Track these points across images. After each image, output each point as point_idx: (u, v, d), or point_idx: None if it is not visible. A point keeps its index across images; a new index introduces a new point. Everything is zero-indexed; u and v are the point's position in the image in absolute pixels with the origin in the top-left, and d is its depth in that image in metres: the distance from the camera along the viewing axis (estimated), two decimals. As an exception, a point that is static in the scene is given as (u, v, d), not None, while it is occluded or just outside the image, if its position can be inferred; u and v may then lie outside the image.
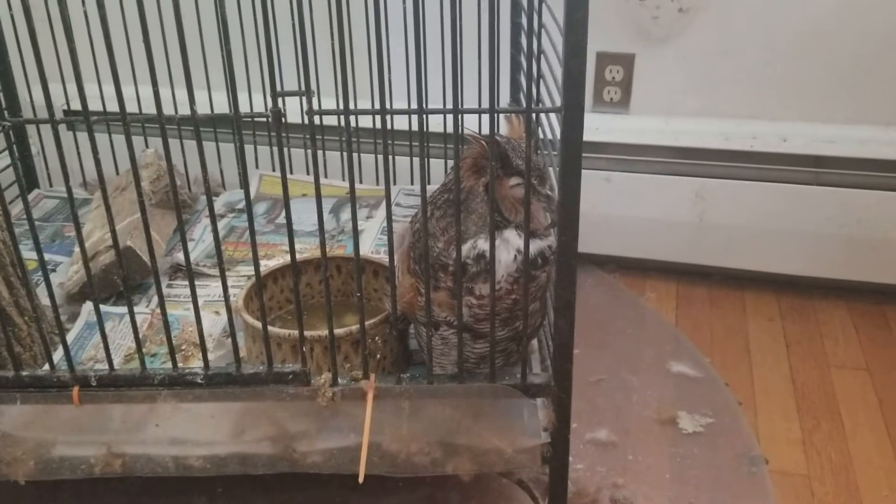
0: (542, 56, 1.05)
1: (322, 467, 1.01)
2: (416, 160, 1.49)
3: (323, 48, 1.27)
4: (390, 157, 0.86)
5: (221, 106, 1.60)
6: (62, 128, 0.99)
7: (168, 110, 0.85)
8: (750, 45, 1.61)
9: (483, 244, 0.93)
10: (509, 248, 0.93)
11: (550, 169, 1.04)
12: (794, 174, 1.64)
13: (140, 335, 0.98)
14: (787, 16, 1.57)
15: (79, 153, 1.70)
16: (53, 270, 1.48)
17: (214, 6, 0.78)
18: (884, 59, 1.56)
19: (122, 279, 0.94)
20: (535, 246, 0.93)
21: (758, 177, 1.66)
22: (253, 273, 0.96)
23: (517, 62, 1.55)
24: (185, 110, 0.84)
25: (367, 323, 0.98)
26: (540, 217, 0.98)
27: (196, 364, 1.12)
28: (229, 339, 0.99)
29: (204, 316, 1.00)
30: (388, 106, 0.84)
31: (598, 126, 1.70)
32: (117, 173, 1.72)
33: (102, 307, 1.28)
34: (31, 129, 1.82)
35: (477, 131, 0.94)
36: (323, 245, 0.91)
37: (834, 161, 1.61)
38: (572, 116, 0.83)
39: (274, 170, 1.83)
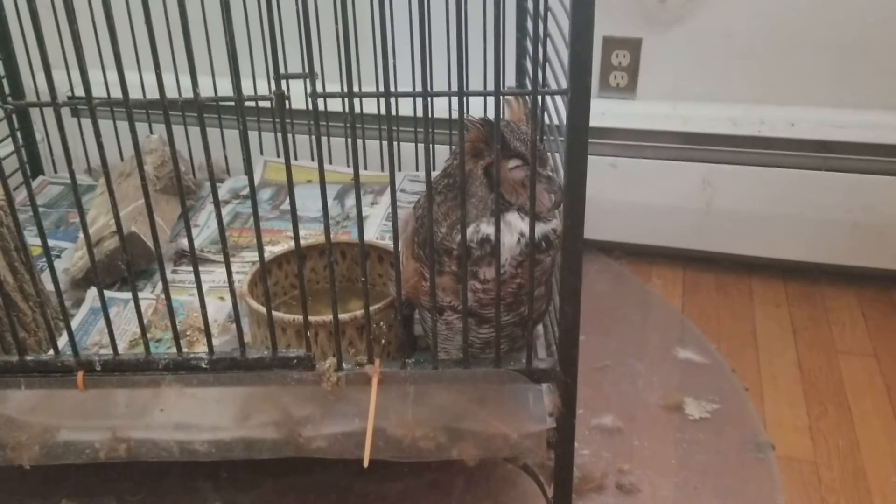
0: (548, 40, 1.04)
1: (327, 452, 1.01)
2: (421, 146, 1.48)
3: (327, 33, 1.26)
4: (395, 142, 0.85)
5: (225, 92, 1.60)
6: (66, 115, 0.99)
7: (172, 96, 0.84)
8: (757, 30, 1.60)
9: (486, 228, 0.92)
10: (512, 231, 0.93)
11: (551, 151, 1.03)
12: (802, 159, 1.63)
13: (145, 321, 0.98)
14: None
15: (83, 139, 1.71)
16: (58, 256, 1.49)
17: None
18: (893, 43, 1.54)
19: (127, 265, 0.93)
20: (539, 229, 0.92)
21: (765, 162, 1.65)
22: (257, 258, 0.95)
23: (523, 47, 1.54)
24: (188, 96, 0.84)
25: (371, 308, 0.97)
26: (543, 199, 0.97)
27: (201, 349, 1.12)
28: (234, 325, 0.98)
29: (209, 301, 1.00)
30: (392, 89, 0.83)
31: (604, 111, 1.69)
32: (122, 159, 1.72)
33: (107, 293, 1.29)
34: (35, 117, 1.82)
35: (480, 115, 0.93)
36: (327, 230, 0.91)
37: (842, 146, 1.60)
38: (578, 99, 0.82)
39: (278, 156, 1.83)
